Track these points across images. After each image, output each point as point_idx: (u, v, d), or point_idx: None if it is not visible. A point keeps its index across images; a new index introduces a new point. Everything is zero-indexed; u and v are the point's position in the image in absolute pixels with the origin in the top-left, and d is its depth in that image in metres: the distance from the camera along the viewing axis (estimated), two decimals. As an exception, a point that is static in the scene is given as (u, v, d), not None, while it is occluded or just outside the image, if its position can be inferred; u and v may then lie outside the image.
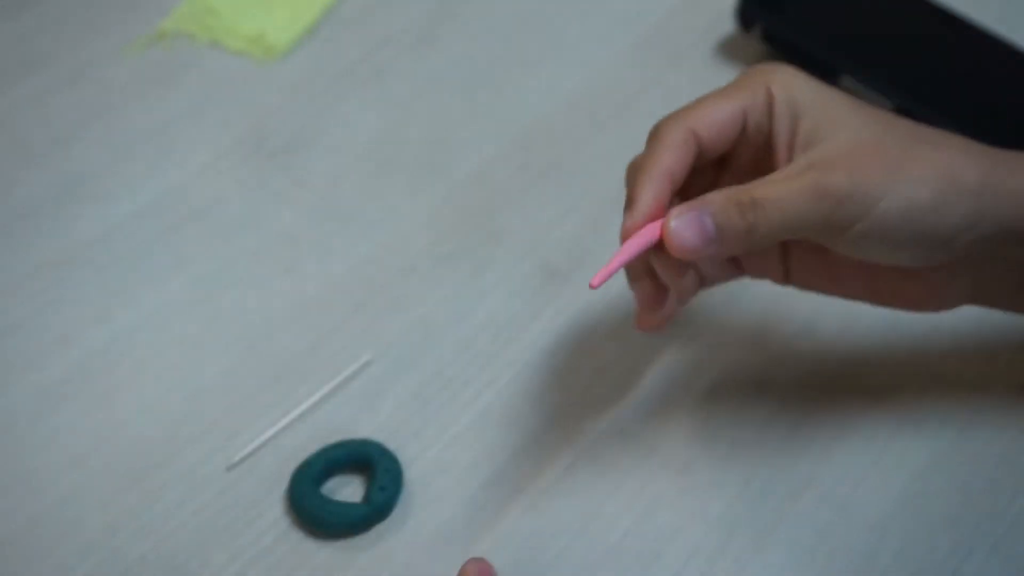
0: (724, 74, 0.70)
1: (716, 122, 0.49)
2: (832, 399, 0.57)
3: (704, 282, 0.54)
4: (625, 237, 0.48)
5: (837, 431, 0.56)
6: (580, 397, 0.57)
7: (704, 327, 0.59)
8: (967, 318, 0.59)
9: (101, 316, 0.60)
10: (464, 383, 0.57)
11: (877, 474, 0.54)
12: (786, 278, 0.53)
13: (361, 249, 0.63)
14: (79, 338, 0.59)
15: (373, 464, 0.53)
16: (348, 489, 0.54)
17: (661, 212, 0.48)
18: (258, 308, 0.60)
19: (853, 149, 0.47)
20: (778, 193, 0.46)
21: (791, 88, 0.48)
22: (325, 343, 0.59)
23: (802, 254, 0.52)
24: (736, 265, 0.54)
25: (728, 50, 0.72)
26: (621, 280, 0.61)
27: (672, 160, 0.48)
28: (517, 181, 0.66)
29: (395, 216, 0.64)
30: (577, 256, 0.62)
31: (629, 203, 0.48)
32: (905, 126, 0.49)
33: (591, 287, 0.45)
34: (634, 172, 0.49)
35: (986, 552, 0.52)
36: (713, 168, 0.51)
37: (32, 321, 0.60)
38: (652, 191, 0.48)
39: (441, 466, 0.55)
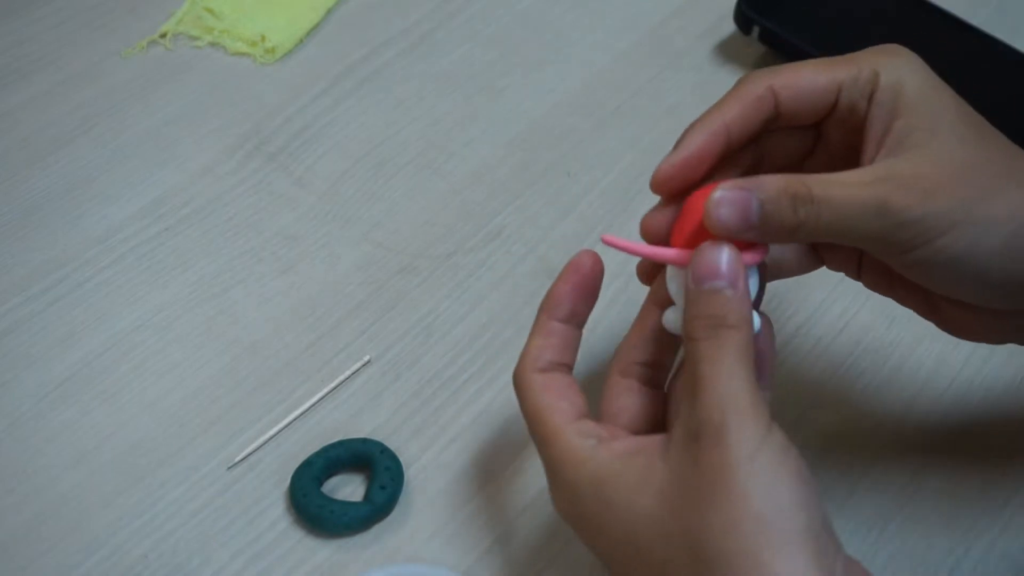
0: (724, 75, 0.71)
1: (803, 88, 0.45)
2: (830, 398, 0.57)
3: (782, 270, 0.51)
4: (657, 179, 0.45)
5: (835, 430, 0.56)
6: (579, 397, 0.57)
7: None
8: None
9: (102, 316, 0.60)
10: (464, 383, 0.58)
11: (875, 473, 0.54)
12: (858, 275, 0.50)
13: (361, 249, 0.63)
14: (80, 337, 0.59)
15: (373, 463, 0.54)
16: (348, 488, 0.54)
17: (703, 162, 0.45)
18: (258, 308, 0.61)
19: (936, 170, 0.43)
20: (840, 196, 0.43)
21: (901, 79, 0.45)
22: (325, 343, 0.59)
23: (872, 259, 0.49)
24: (815, 257, 0.51)
25: (727, 51, 0.72)
26: (620, 280, 0.61)
27: (736, 112, 0.45)
28: (517, 181, 0.66)
29: (395, 216, 0.64)
30: (576, 256, 0.62)
31: (675, 146, 0.45)
32: (1006, 153, 0.45)
33: (603, 239, 0.45)
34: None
35: (982, 550, 0.52)
36: (801, 144, 0.48)
37: (34, 321, 0.60)
38: (701, 138, 0.45)
39: (441, 466, 0.55)
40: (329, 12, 0.75)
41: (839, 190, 0.43)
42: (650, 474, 0.42)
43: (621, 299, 0.60)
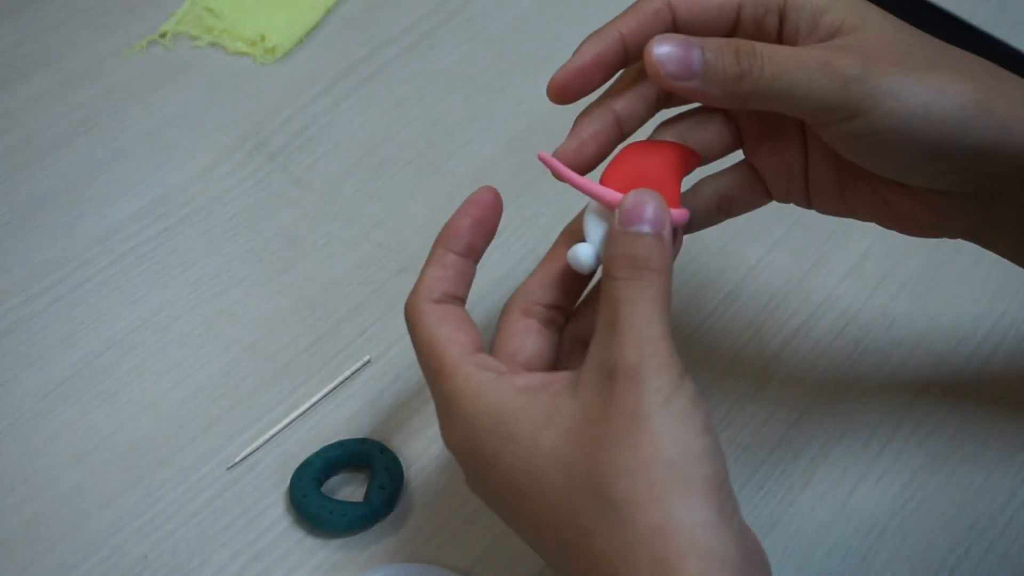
0: (723, 75, 0.71)
1: (700, 2, 0.46)
2: (830, 399, 0.57)
3: (725, 207, 0.50)
4: (552, 86, 0.48)
5: (835, 431, 0.56)
6: (579, 397, 0.57)
7: (701, 326, 0.59)
8: (965, 319, 0.59)
9: (102, 316, 0.60)
10: (464, 383, 0.57)
11: (875, 474, 0.54)
12: (807, 199, 0.50)
13: (361, 249, 0.63)
14: (80, 338, 0.59)
15: (373, 463, 0.54)
16: (348, 488, 0.54)
17: (598, 69, 0.47)
18: (258, 308, 0.61)
19: (877, 45, 0.44)
20: (784, 53, 0.44)
21: None
22: (325, 343, 0.59)
23: (819, 170, 0.49)
24: (761, 187, 0.50)
25: (727, 51, 0.72)
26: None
27: (631, 24, 0.47)
28: (517, 181, 0.66)
29: (395, 216, 0.64)
30: (576, 256, 0.62)
31: (572, 56, 0.47)
32: (939, 44, 0.46)
33: (539, 156, 0.46)
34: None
35: (983, 551, 0.52)
36: None
37: (34, 321, 0.60)
38: (595, 47, 0.47)
39: (441, 466, 0.55)
40: (329, 12, 0.75)
41: (783, 50, 0.44)
42: (557, 411, 0.41)
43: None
